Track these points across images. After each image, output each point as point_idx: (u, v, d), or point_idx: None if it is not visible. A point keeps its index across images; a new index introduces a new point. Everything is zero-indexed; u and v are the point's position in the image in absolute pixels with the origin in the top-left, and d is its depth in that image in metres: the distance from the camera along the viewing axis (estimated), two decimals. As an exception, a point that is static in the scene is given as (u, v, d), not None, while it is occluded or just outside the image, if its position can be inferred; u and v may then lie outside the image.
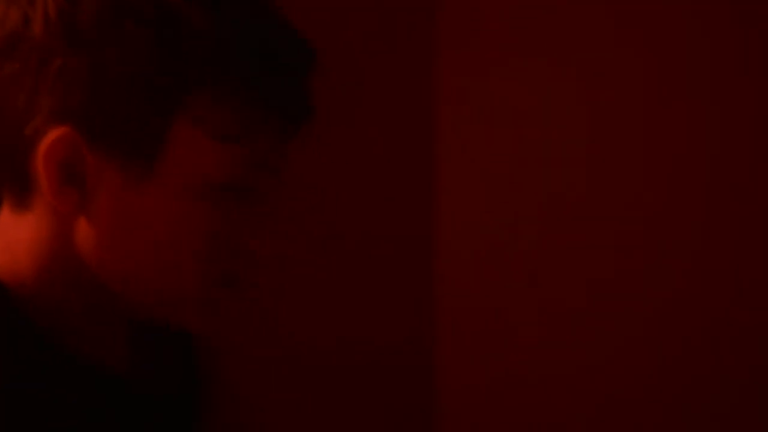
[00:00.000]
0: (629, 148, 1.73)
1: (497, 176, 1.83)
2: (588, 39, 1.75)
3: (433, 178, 1.86)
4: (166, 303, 0.79)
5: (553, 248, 1.79)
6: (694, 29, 1.68)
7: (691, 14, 1.67)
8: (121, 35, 0.72)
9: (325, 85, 0.84)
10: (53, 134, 0.73)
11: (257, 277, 0.83)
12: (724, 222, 1.68)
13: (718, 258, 1.68)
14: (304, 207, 1.69)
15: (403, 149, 1.84)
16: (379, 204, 1.82)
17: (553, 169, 1.78)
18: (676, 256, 1.71)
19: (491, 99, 1.83)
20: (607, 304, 1.75)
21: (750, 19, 1.64)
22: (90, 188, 0.75)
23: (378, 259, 1.82)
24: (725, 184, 1.67)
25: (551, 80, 1.78)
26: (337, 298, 1.78)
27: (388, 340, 1.82)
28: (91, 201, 0.75)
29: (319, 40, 0.82)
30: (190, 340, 0.96)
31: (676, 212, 1.71)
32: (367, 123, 1.79)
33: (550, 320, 1.79)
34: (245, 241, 0.79)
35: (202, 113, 0.75)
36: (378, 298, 1.83)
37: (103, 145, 0.74)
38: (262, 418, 1.70)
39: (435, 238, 1.87)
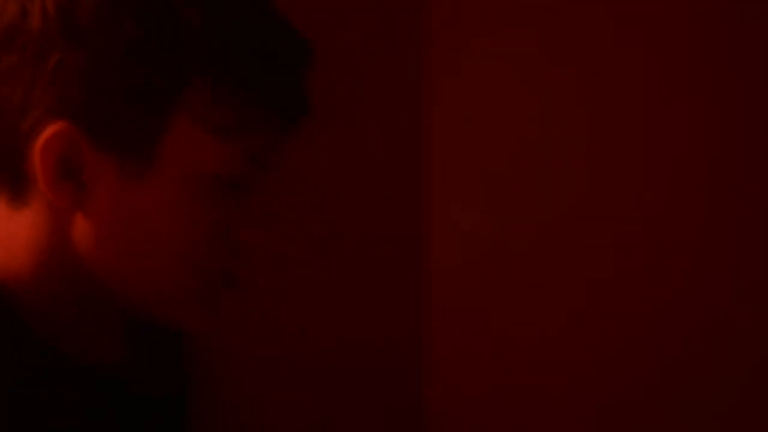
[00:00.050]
0: (628, 146, 1.73)
1: (491, 174, 1.83)
2: (586, 33, 1.75)
3: (425, 175, 1.86)
4: (163, 298, 0.79)
5: (549, 248, 1.79)
6: (694, 28, 1.68)
7: (691, 14, 1.67)
8: (119, 30, 0.72)
9: (315, 81, 0.84)
10: (51, 129, 0.73)
11: (254, 275, 0.83)
12: (724, 222, 1.68)
13: (718, 258, 1.68)
14: (296, 206, 1.69)
15: (394, 147, 1.84)
16: (370, 202, 1.82)
17: (549, 167, 1.78)
18: (676, 256, 1.71)
19: (484, 96, 1.83)
20: (603, 304, 1.75)
21: (750, 19, 1.64)
22: (87, 183, 0.75)
23: (370, 258, 1.82)
24: (725, 184, 1.67)
25: (547, 75, 1.78)
26: (332, 298, 1.78)
27: (382, 339, 1.82)
28: (89, 196, 0.75)
29: (308, 35, 0.82)
30: (181, 337, 0.96)
31: (676, 212, 1.71)
32: (356, 119, 1.79)
33: (545, 320, 1.79)
34: (241, 236, 0.80)
35: (202, 113, 0.75)
36: (371, 298, 1.83)
37: (101, 140, 0.74)
38: (261, 418, 1.70)
39: (428, 236, 1.87)
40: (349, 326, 1.79)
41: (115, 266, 0.77)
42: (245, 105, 0.76)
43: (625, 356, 1.75)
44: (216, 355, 1.63)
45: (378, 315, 1.83)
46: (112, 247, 0.77)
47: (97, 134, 0.74)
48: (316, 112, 0.81)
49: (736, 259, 1.67)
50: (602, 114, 1.75)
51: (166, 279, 0.78)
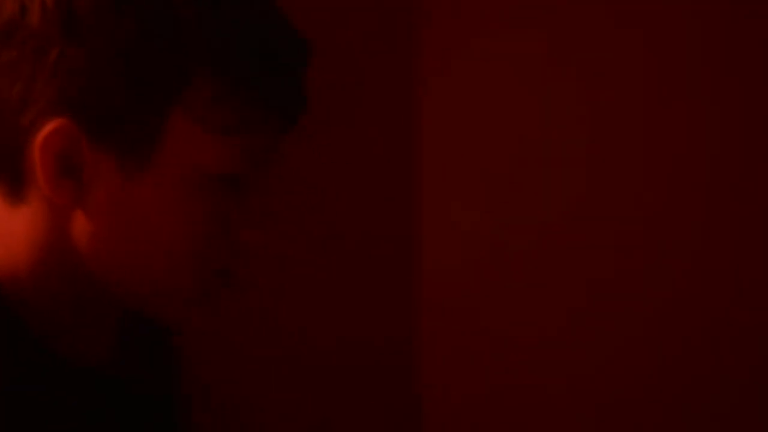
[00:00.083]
0: (627, 144, 1.73)
1: (487, 174, 1.83)
2: (584, 32, 1.75)
3: (416, 175, 1.86)
4: (161, 297, 0.79)
5: (545, 248, 1.78)
6: (693, 28, 1.68)
7: (691, 14, 1.67)
8: (119, 29, 0.72)
9: (311, 81, 0.84)
10: (51, 125, 0.73)
11: (254, 275, 0.83)
12: (724, 222, 1.68)
13: (718, 258, 1.68)
14: (294, 206, 1.69)
15: (385, 147, 1.84)
16: (367, 203, 1.82)
17: (545, 167, 1.78)
18: (675, 256, 1.71)
19: (477, 96, 1.82)
20: (602, 304, 1.75)
21: (750, 19, 1.64)
22: (87, 180, 0.74)
23: (369, 258, 1.82)
24: (725, 184, 1.67)
25: (542, 75, 1.78)
26: (331, 298, 1.78)
27: (382, 339, 1.82)
28: (88, 193, 0.75)
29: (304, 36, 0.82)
30: (170, 336, 0.96)
31: (675, 212, 1.71)
32: (351, 120, 1.78)
33: (542, 320, 1.79)
34: (240, 236, 0.80)
35: (202, 112, 0.75)
36: (369, 298, 1.83)
37: (101, 138, 0.74)
38: (260, 418, 1.70)
39: (424, 237, 1.87)
40: (347, 326, 1.79)
41: (113, 264, 0.77)
42: (245, 105, 0.76)
43: (625, 356, 1.74)
44: (214, 355, 1.63)
45: (377, 315, 1.83)
46: (110, 245, 0.76)
47: (97, 132, 0.74)
48: (312, 112, 0.81)
49: (736, 259, 1.67)
50: (601, 114, 1.75)
51: (164, 277, 0.78)
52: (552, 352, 1.79)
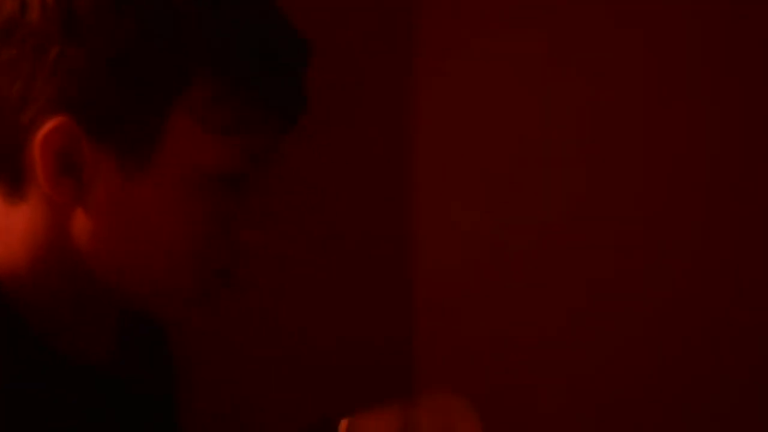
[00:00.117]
0: (626, 144, 1.73)
1: (485, 174, 1.82)
2: (583, 32, 1.75)
3: (415, 174, 1.86)
4: (161, 295, 0.79)
5: (545, 248, 1.78)
6: (693, 28, 1.68)
7: (691, 14, 1.67)
8: (119, 29, 0.72)
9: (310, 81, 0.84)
10: (51, 123, 0.72)
11: (253, 275, 0.83)
12: (724, 222, 1.67)
13: (718, 258, 1.68)
14: (294, 206, 1.69)
15: (385, 147, 1.84)
16: (362, 202, 1.82)
17: (542, 167, 1.78)
18: (676, 256, 1.71)
19: (473, 97, 1.82)
20: (601, 304, 1.75)
21: (750, 19, 1.64)
22: (87, 178, 0.74)
23: (369, 258, 1.82)
24: (725, 184, 1.67)
25: (536, 76, 1.77)
26: (331, 298, 1.78)
27: (382, 339, 1.82)
28: (88, 192, 0.75)
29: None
30: (170, 336, 0.96)
31: (676, 212, 1.71)
32: (347, 119, 1.78)
33: (540, 320, 1.79)
34: (239, 233, 0.80)
35: (202, 112, 0.75)
36: (369, 298, 1.83)
37: (101, 136, 0.74)
38: (260, 418, 1.70)
39: (419, 235, 1.87)
40: (347, 326, 1.79)
41: (113, 263, 0.77)
42: (245, 105, 0.76)
43: (624, 356, 1.74)
44: (214, 355, 1.63)
45: (377, 315, 1.83)
46: (110, 244, 0.76)
47: (97, 131, 0.74)
48: (311, 112, 0.81)
49: (736, 259, 1.67)
50: (600, 114, 1.75)
51: (164, 277, 0.78)
52: (551, 352, 1.79)
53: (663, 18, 1.69)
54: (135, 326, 0.90)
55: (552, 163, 1.77)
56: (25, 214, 0.76)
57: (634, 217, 1.73)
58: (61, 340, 0.79)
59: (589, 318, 1.76)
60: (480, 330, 1.83)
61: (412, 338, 1.87)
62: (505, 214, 1.81)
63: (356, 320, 1.80)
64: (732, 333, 1.67)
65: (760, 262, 1.66)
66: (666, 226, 1.71)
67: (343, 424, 0.88)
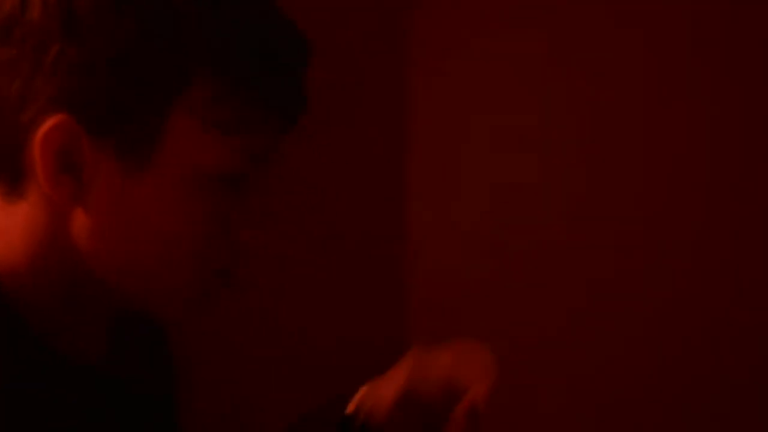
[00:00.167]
0: (624, 143, 1.73)
1: (485, 175, 1.83)
2: (581, 29, 1.74)
3: (413, 174, 1.86)
4: (160, 294, 0.79)
5: (541, 248, 1.78)
6: (694, 27, 1.68)
7: (691, 13, 1.67)
8: (119, 29, 0.72)
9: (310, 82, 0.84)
10: (51, 121, 0.72)
11: (253, 275, 0.83)
12: (724, 222, 1.67)
13: (718, 258, 1.68)
14: (294, 206, 1.69)
15: (385, 147, 1.84)
16: (361, 202, 1.82)
17: (541, 166, 1.78)
18: (676, 256, 1.71)
19: (469, 98, 1.82)
20: (601, 304, 1.75)
21: (750, 19, 1.64)
22: (87, 177, 0.74)
23: (362, 258, 1.82)
24: (725, 184, 1.67)
25: (539, 74, 1.78)
26: (331, 298, 1.78)
27: (382, 339, 1.82)
28: (88, 191, 0.75)
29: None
30: (165, 333, 0.96)
31: (675, 212, 1.71)
32: (346, 119, 1.78)
33: (538, 321, 1.79)
34: (239, 233, 0.80)
35: (202, 112, 0.75)
36: (363, 298, 1.83)
37: (101, 135, 0.73)
38: (260, 418, 1.70)
39: (418, 235, 1.87)
40: (347, 326, 1.79)
41: (112, 262, 0.77)
42: (245, 105, 0.76)
43: (624, 356, 1.74)
44: (214, 355, 1.63)
45: (377, 315, 1.83)
46: (110, 244, 0.76)
47: (97, 130, 0.73)
48: (311, 113, 0.81)
49: (736, 259, 1.67)
50: (599, 114, 1.74)
51: (163, 276, 0.78)
52: (548, 352, 1.79)
53: (663, 18, 1.69)
54: (135, 326, 0.89)
55: (550, 164, 1.77)
56: (24, 213, 0.76)
57: (633, 217, 1.73)
58: (60, 340, 0.79)
59: (588, 318, 1.76)
60: (478, 329, 1.83)
61: (411, 337, 1.87)
62: (503, 215, 1.81)
63: (356, 320, 1.80)
64: (732, 333, 1.67)
65: (760, 262, 1.66)
66: (666, 226, 1.71)
67: (362, 390, 0.89)
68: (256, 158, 0.78)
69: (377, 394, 0.88)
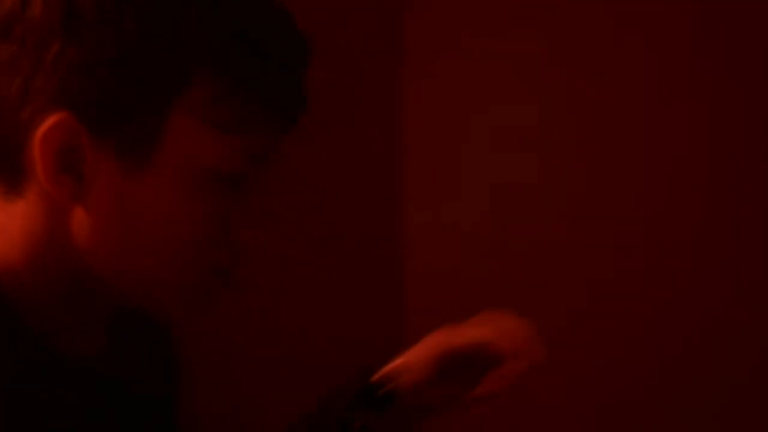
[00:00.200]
0: (622, 142, 1.73)
1: (481, 174, 1.83)
2: (582, 32, 1.75)
3: (404, 175, 1.86)
4: (158, 293, 0.79)
5: (539, 248, 1.78)
6: (694, 27, 1.68)
7: (691, 13, 1.67)
8: (119, 29, 0.72)
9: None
10: (51, 119, 0.72)
11: (253, 275, 0.83)
12: (724, 222, 1.67)
13: (718, 258, 1.68)
14: (294, 206, 1.69)
15: (384, 147, 1.84)
16: (361, 202, 1.82)
17: (540, 166, 1.78)
18: (676, 256, 1.71)
19: (472, 95, 1.82)
20: (600, 304, 1.75)
21: (750, 19, 1.64)
22: (87, 176, 0.74)
23: (362, 258, 1.82)
24: (725, 184, 1.67)
25: (536, 74, 1.78)
26: (331, 298, 1.78)
27: (382, 340, 1.82)
28: (88, 189, 0.74)
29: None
30: (166, 332, 0.96)
31: (676, 212, 1.71)
32: (345, 119, 1.78)
33: (534, 321, 1.79)
34: (239, 233, 0.80)
35: (202, 112, 0.75)
36: (363, 298, 1.83)
37: (101, 134, 0.73)
38: (260, 418, 1.70)
39: (407, 236, 1.87)
40: (347, 326, 1.79)
41: (111, 261, 0.77)
42: (245, 104, 0.76)
43: (624, 356, 1.74)
44: (214, 355, 1.63)
45: (377, 314, 1.83)
46: (109, 242, 0.76)
47: (97, 127, 0.73)
48: (310, 113, 0.81)
49: (736, 259, 1.67)
50: (598, 113, 1.75)
51: (162, 276, 0.78)
52: (549, 352, 1.79)
53: (663, 18, 1.69)
54: (135, 325, 0.89)
55: (546, 164, 1.77)
56: (23, 212, 0.76)
57: (633, 217, 1.73)
58: (60, 339, 0.79)
59: (588, 318, 1.76)
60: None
61: (410, 338, 1.87)
62: (500, 215, 1.81)
63: (356, 320, 1.80)
64: (732, 333, 1.67)
65: (760, 262, 1.66)
66: (666, 226, 1.71)
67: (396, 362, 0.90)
68: (256, 158, 0.78)
69: (406, 362, 0.89)
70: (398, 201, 1.86)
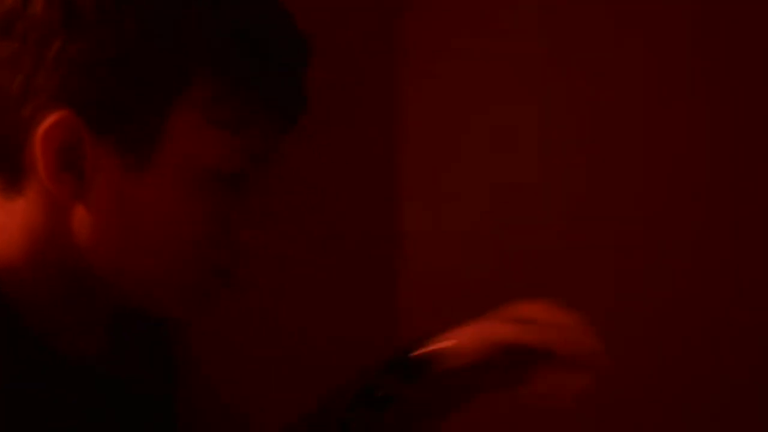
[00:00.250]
0: (622, 142, 1.73)
1: (479, 174, 1.83)
2: (582, 32, 1.74)
3: (401, 176, 1.86)
4: (158, 293, 0.79)
5: (538, 249, 1.78)
6: (694, 27, 1.68)
7: (691, 13, 1.67)
8: (120, 29, 0.72)
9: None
10: (52, 117, 0.72)
11: (253, 275, 0.83)
12: (724, 222, 1.67)
13: (718, 258, 1.68)
14: (294, 206, 1.69)
15: (384, 147, 1.84)
16: (361, 202, 1.82)
17: (539, 166, 1.78)
18: (676, 256, 1.70)
19: (469, 96, 1.82)
20: (600, 304, 1.75)
21: (750, 19, 1.64)
22: (87, 174, 0.74)
23: (362, 258, 1.82)
24: (725, 184, 1.67)
25: (536, 74, 1.77)
26: (330, 298, 1.78)
27: (382, 340, 1.82)
28: (89, 188, 0.75)
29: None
30: (166, 332, 0.96)
31: (676, 212, 1.71)
32: (344, 119, 1.78)
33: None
34: (239, 233, 0.80)
35: (202, 111, 0.75)
36: (363, 298, 1.83)
37: (102, 132, 0.74)
38: (260, 418, 1.70)
39: (406, 236, 1.87)
40: (347, 326, 1.79)
41: (111, 260, 0.77)
42: (245, 104, 0.76)
43: (624, 356, 1.74)
44: (214, 355, 1.63)
45: (377, 314, 1.83)
46: (109, 241, 0.76)
47: (98, 125, 0.73)
48: (310, 112, 0.81)
49: (736, 259, 1.67)
50: (597, 113, 1.74)
51: (162, 275, 0.78)
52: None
53: (663, 18, 1.69)
54: (135, 325, 0.90)
55: (546, 164, 1.77)
56: (23, 210, 0.76)
57: (633, 217, 1.73)
58: (59, 339, 0.79)
59: (587, 318, 1.76)
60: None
61: (410, 338, 1.86)
62: (499, 215, 1.81)
63: (356, 320, 1.80)
64: (732, 333, 1.67)
65: (760, 262, 1.66)
66: (666, 226, 1.71)
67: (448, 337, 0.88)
68: (256, 158, 0.78)
69: (458, 344, 0.87)
70: (398, 201, 1.86)
